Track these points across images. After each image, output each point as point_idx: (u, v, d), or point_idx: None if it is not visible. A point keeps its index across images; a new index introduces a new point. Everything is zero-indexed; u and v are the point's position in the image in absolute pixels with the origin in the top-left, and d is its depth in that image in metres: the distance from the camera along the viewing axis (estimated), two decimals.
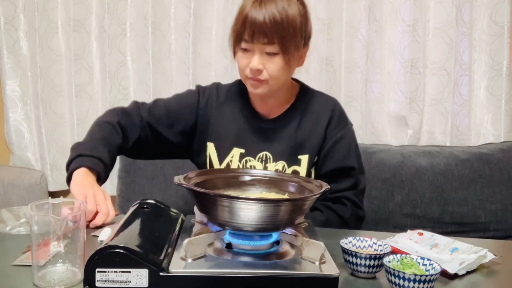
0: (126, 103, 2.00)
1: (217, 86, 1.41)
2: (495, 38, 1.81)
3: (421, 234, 1.06)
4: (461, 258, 0.94)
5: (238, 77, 1.93)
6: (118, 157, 1.94)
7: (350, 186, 1.29)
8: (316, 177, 1.29)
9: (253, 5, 1.17)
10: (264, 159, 1.28)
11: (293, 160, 1.27)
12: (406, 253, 0.91)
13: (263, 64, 1.19)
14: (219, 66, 1.94)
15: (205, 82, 1.98)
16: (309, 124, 1.30)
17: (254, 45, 1.18)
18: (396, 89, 1.89)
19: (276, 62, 1.21)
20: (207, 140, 1.34)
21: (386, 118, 1.91)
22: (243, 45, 1.20)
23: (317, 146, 1.29)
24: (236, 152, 1.30)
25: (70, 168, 1.19)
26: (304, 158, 1.28)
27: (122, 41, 1.95)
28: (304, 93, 1.33)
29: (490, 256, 0.97)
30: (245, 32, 1.17)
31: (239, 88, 1.38)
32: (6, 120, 2.02)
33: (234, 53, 1.25)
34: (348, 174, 1.29)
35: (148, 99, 2.00)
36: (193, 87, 1.98)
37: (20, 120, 2.03)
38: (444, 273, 0.89)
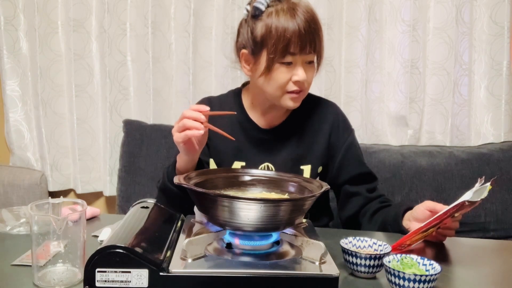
0: (126, 103, 2.02)
1: (208, 99, 1.34)
2: (495, 38, 1.81)
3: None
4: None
5: (237, 77, 1.95)
6: (118, 157, 1.95)
7: (371, 188, 1.31)
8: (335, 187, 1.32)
9: (284, 16, 1.12)
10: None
11: (295, 171, 1.25)
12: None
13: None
14: (219, 66, 1.94)
15: (205, 82, 1.99)
16: (310, 133, 1.29)
17: (297, 57, 1.14)
18: (396, 89, 1.89)
19: (312, 70, 1.20)
20: (209, 156, 1.29)
21: (386, 118, 1.91)
22: (289, 58, 1.14)
23: (320, 156, 1.28)
24: (237, 165, 1.26)
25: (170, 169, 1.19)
26: (307, 169, 1.27)
27: (122, 41, 1.95)
28: (303, 100, 1.26)
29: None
30: (291, 45, 1.12)
31: (233, 99, 1.33)
32: (6, 120, 2.02)
33: (268, 70, 1.16)
34: (365, 178, 1.30)
35: (148, 99, 2.01)
36: (193, 87, 2.00)
37: (20, 120, 2.03)
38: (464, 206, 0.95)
